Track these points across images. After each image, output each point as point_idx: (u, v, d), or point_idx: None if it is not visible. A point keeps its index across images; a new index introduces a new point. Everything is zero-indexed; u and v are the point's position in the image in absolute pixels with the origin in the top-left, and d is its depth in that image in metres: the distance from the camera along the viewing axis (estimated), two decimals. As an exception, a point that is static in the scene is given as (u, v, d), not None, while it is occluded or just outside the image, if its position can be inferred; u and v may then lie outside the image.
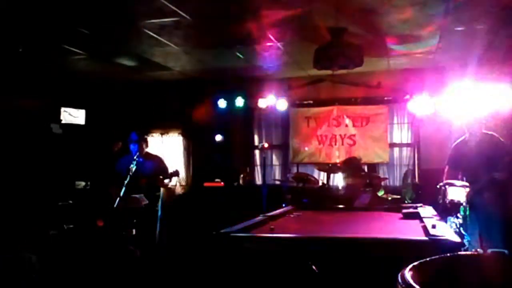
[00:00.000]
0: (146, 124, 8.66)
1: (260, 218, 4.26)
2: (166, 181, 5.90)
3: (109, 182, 5.77)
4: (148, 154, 5.93)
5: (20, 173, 6.63)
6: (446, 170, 5.56)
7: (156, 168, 5.81)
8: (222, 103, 8.28)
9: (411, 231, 3.70)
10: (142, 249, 5.61)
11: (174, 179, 7.47)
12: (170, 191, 7.85)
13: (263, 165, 7.78)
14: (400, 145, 8.19)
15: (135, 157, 5.66)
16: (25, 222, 6.16)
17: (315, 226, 4.24)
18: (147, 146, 5.94)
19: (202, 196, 8.15)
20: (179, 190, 6.84)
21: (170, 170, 5.89)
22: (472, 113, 5.55)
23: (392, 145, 8.15)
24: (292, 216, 4.82)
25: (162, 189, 6.04)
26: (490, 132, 5.28)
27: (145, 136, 6.10)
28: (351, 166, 6.99)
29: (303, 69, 7.54)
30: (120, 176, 5.57)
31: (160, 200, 5.97)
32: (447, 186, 5.33)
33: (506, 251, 4.42)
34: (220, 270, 3.25)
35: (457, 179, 5.42)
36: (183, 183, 8.82)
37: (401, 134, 8.23)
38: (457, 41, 5.99)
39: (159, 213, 5.94)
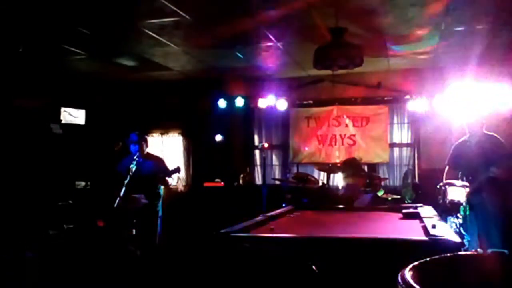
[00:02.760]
0: (146, 124, 8.65)
1: (260, 218, 4.25)
2: (169, 179, 5.90)
3: (110, 182, 5.77)
4: (148, 154, 5.92)
5: (20, 173, 6.63)
6: (446, 170, 5.56)
7: (156, 168, 5.80)
8: (222, 103, 8.29)
9: (411, 231, 3.69)
10: (142, 249, 5.61)
11: (175, 178, 7.45)
12: (170, 190, 7.85)
13: (263, 165, 7.77)
14: (400, 145, 8.19)
15: (135, 157, 5.66)
16: (25, 222, 6.16)
17: (315, 226, 4.24)
18: (147, 146, 5.93)
19: (202, 196, 8.15)
20: (181, 187, 6.81)
21: (171, 168, 5.88)
22: (472, 113, 5.55)
23: (392, 145, 8.15)
24: (292, 216, 4.82)
25: (163, 188, 6.03)
26: (491, 133, 5.27)
27: (145, 136, 6.09)
28: (351, 166, 6.99)
29: (303, 69, 7.54)
30: (121, 176, 5.57)
31: (161, 199, 5.97)
32: (447, 186, 5.33)
33: (506, 251, 4.42)
34: (220, 270, 3.25)
35: (457, 179, 5.42)
36: (184, 183, 8.81)
37: (401, 134, 8.23)
38: (457, 41, 5.99)
39: (160, 213, 5.94)
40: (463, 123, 5.41)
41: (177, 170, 5.78)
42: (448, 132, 7.20)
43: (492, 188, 4.99)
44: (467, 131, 5.36)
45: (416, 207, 4.87)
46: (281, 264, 3.02)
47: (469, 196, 5.07)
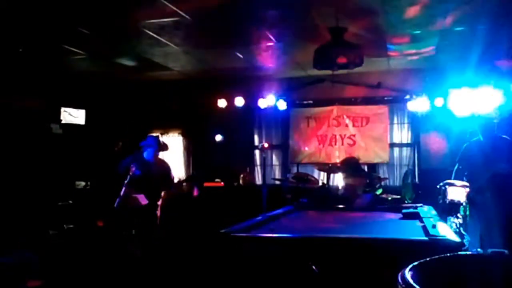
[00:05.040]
0: (146, 124, 8.65)
1: (260, 218, 4.25)
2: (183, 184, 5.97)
3: (110, 182, 5.77)
4: (160, 158, 5.94)
5: (20, 173, 6.63)
6: (455, 168, 5.52)
7: (166, 172, 5.83)
8: (222, 103, 8.29)
9: (411, 231, 3.70)
10: (142, 249, 5.61)
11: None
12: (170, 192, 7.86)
13: (263, 165, 7.76)
14: (400, 145, 8.19)
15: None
16: (25, 222, 6.16)
17: (315, 226, 4.24)
18: (167, 149, 5.97)
19: (202, 196, 8.14)
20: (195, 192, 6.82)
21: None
22: (484, 114, 5.48)
23: (392, 145, 8.15)
24: (292, 216, 4.82)
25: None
26: (504, 136, 5.20)
27: (163, 141, 6.07)
28: (350, 166, 6.98)
29: (303, 69, 7.54)
30: (121, 177, 5.57)
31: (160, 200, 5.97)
32: (447, 186, 5.33)
33: (506, 251, 4.41)
34: (220, 270, 3.25)
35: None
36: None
37: (401, 134, 8.22)
38: (457, 41, 5.99)
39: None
40: (476, 124, 5.32)
41: (194, 176, 5.81)
42: (448, 132, 7.21)
43: (496, 187, 4.95)
44: (480, 131, 5.27)
45: (416, 207, 4.87)
46: (281, 264, 3.02)
47: (473, 195, 5.04)
